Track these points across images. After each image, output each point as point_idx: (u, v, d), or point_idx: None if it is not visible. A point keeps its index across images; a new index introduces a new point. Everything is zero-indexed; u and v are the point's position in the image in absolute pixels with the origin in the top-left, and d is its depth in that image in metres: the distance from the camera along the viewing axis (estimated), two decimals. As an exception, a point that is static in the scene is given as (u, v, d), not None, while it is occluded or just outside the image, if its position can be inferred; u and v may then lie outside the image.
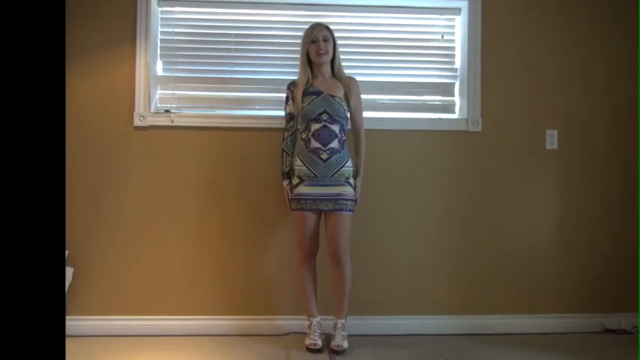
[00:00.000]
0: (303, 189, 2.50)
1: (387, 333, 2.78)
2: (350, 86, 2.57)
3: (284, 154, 2.59)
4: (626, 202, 2.91)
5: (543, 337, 2.77)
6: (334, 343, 2.50)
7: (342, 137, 2.53)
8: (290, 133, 2.59)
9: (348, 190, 2.49)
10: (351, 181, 2.53)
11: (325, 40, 2.51)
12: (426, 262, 2.85)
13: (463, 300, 2.85)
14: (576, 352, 2.54)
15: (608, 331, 2.87)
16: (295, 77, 2.60)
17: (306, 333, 2.59)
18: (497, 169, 2.88)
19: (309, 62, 2.56)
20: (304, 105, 2.51)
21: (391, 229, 2.84)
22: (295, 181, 2.53)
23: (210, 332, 2.72)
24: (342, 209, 2.47)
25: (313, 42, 2.51)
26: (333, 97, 2.51)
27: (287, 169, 2.58)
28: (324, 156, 2.49)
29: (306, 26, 2.61)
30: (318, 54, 2.51)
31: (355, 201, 2.53)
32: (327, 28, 2.55)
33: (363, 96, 2.78)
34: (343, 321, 2.54)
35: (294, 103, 2.57)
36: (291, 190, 2.54)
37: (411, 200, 2.85)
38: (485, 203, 2.87)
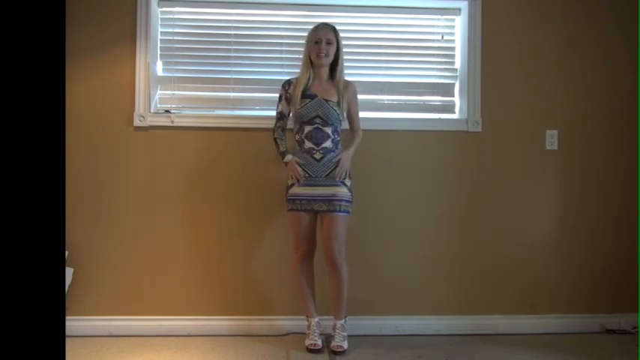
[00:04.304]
0: (297, 189, 2.49)
1: (387, 333, 2.78)
2: (345, 93, 2.54)
3: (277, 140, 2.58)
4: (626, 202, 2.91)
5: (543, 337, 2.77)
6: (334, 344, 2.50)
7: (335, 138, 2.52)
8: (281, 129, 2.59)
9: (342, 191, 2.48)
10: (347, 181, 2.51)
11: (328, 43, 2.48)
12: (425, 262, 2.85)
13: (463, 300, 2.86)
14: (576, 352, 2.54)
15: (608, 331, 2.87)
16: (294, 77, 2.60)
17: (305, 333, 2.59)
18: (497, 169, 2.88)
19: (312, 62, 2.54)
20: (298, 108, 2.50)
21: (391, 229, 2.84)
22: (290, 181, 2.52)
23: (210, 332, 2.72)
24: (335, 210, 2.46)
25: (316, 43, 2.49)
26: (326, 101, 2.50)
27: (284, 148, 2.56)
28: (318, 155, 2.48)
29: (307, 26, 2.60)
30: (318, 56, 2.49)
31: (351, 202, 2.51)
32: (334, 30, 2.52)
33: (363, 96, 2.79)
34: (342, 322, 2.54)
35: (287, 103, 2.57)
36: (287, 190, 2.53)
37: (411, 200, 2.85)
38: (485, 203, 2.87)
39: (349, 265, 2.52)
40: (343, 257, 2.48)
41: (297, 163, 2.50)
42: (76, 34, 2.69)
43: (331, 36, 2.50)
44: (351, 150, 2.57)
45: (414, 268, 2.84)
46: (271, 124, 2.65)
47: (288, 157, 2.53)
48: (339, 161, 2.50)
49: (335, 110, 2.50)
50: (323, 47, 2.48)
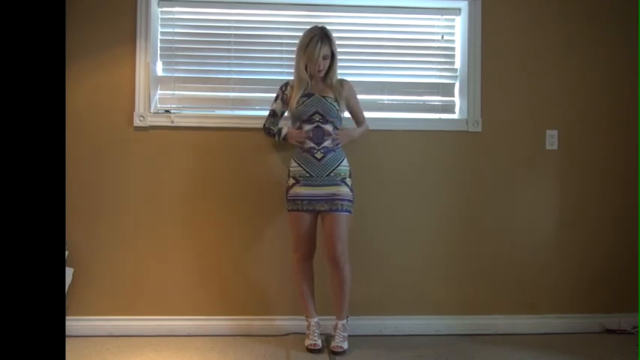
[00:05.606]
0: (298, 189, 2.49)
1: (387, 333, 2.78)
2: (341, 91, 2.53)
3: (270, 127, 2.61)
4: (626, 202, 2.91)
5: (543, 337, 2.77)
6: (334, 344, 2.49)
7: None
8: (269, 123, 2.62)
9: (344, 190, 2.47)
10: (347, 180, 2.51)
11: (325, 59, 2.47)
12: (425, 262, 2.85)
13: (463, 300, 2.85)
14: (576, 352, 2.54)
15: (608, 331, 2.87)
16: (293, 79, 2.59)
17: (305, 333, 2.59)
18: (497, 169, 2.88)
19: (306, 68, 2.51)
20: (296, 106, 2.49)
21: (391, 229, 2.84)
22: (290, 182, 2.52)
23: (210, 333, 2.72)
24: (338, 210, 2.45)
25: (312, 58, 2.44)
26: (324, 97, 2.50)
27: (277, 128, 2.59)
28: (319, 155, 2.48)
29: (307, 26, 2.57)
30: (319, 72, 2.48)
31: (352, 201, 2.51)
32: (329, 40, 2.45)
33: (363, 96, 2.80)
34: (344, 322, 2.53)
35: (282, 103, 2.58)
36: (287, 191, 2.53)
37: (411, 200, 2.85)
38: (485, 203, 2.87)
39: (352, 265, 2.52)
40: (346, 256, 2.47)
41: (298, 128, 2.52)
42: (76, 34, 2.69)
43: (327, 52, 2.45)
44: (357, 131, 2.62)
45: (414, 268, 2.84)
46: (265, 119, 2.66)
47: (285, 130, 2.56)
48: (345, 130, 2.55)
49: (334, 106, 2.49)
50: (322, 63, 2.47)
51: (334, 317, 2.55)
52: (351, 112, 2.64)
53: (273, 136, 2.62)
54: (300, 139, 2.50)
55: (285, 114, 2.63)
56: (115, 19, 2.75)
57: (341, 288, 2.49)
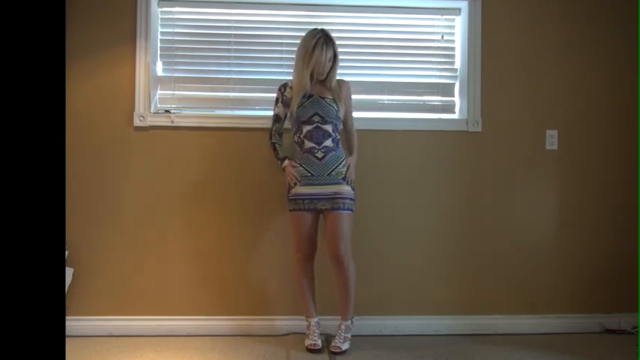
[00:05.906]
0: (299, 189, 2.49)
1: (387, 333, 2.78)
2: (339, 92, 2.53)
3: (276, 145, 2.60)
4: (626, 202, 2.91)
5: (543, 337, 2.77)
6: (333, 344, 2.49)
7: (335, 136, 2.52)
8: (277, 133, 2.61)
9: (345, 189, 2.48)
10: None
11: (329, 61, 2.47)
12: (425, 262, 2.85)
13: (463, 300, 2.85)
14: (576, 352, 2.54)
15: (608, 331, 2.87)
16: (292, 80, 2.59)
17: (305, 333, 2.59)
18: (497, 169, 2.88)
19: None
20: (296, 108, 2.48)
21: (391, 229, 2.84)
22: (292, 182, 2.52)
23: (210, 333, 2.72)
24: (340, 208, 2.45)
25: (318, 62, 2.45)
26: (323, 98, 2.50)
27: (282, 155, 2.57)
28: (320, 154, 2.48)
29: (307, 26, 2.58)
30: (322, 73, 2.48)
31: (354, 200, 2.51)
32: (332, 43, 2.46)
33: (363, 96, 2.80)
34: (348, 323, 2.53)
35: (283, 106, 2.57)
36: (289, 190, 2.53)
37: (410, 200, 2.85)
38: (485, 203, 2.87)
39: (356, 264, 2.51)
40: (349, 256, 2.47)
41: (293, 166, 2.51)
42: (76, 34, 2.69)
43: (331, 53, 2.46)
44: (355, 156, 2.61)
45: (414, 268, 2.84)
46: (270, 124, 2.66)
47: (285, 163, 2.55)
48: (349, 166, 2.52)
49: (333, 107, 2.49)
50: (327, 66, 2.47)
51: (335, 317, 2.55)
52: (343, 116, 2.60)
53: (277, 157, 2.60)
54: (290, 177, 2.50)
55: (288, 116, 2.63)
56: (115, 19, 2.75)
57: (345, 287, 2.49)
